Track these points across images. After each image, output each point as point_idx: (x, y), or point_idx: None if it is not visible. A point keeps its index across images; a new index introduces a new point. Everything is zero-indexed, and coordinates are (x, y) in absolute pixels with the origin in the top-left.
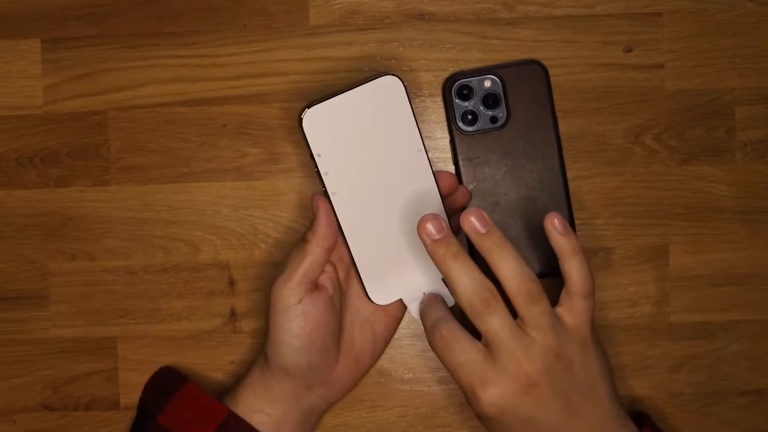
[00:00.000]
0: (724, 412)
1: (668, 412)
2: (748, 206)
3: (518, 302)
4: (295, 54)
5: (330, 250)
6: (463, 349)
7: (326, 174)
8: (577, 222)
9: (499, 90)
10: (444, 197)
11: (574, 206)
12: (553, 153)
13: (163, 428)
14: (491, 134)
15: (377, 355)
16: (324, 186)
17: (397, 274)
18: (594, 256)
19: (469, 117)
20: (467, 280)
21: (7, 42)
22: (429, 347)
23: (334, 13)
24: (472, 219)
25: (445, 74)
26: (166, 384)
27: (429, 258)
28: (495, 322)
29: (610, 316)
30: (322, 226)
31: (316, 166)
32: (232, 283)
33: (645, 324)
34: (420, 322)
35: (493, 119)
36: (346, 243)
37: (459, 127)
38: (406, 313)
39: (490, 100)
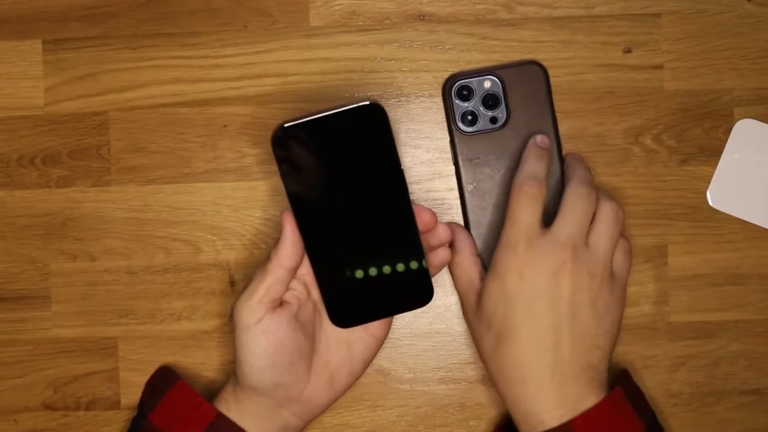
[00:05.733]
0: (723, 412)
1: (667, 411)
2: None
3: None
4: (296, 55)
5: (293, 269)
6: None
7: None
8: None
9: (499, 90)
10: (422, 232)
11: None
12: (552, 153)
13: (154, 427)
14: (491, 135)
15: (355, 375)
16: (292, 206)
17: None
18: None
19: (469, 117)
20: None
21: (8, 43)
22: (429, 347)
23: (334, 14)
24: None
25: (445, 75)
26: (160, 383)
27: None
28: None
29: None
30: (286, 245)
31: (285, 187)
32: (232, 283)
33: (644, 324)
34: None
35: (493, 120)
36: (311, 263)
37: (459, 128)
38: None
39: (490, 100)
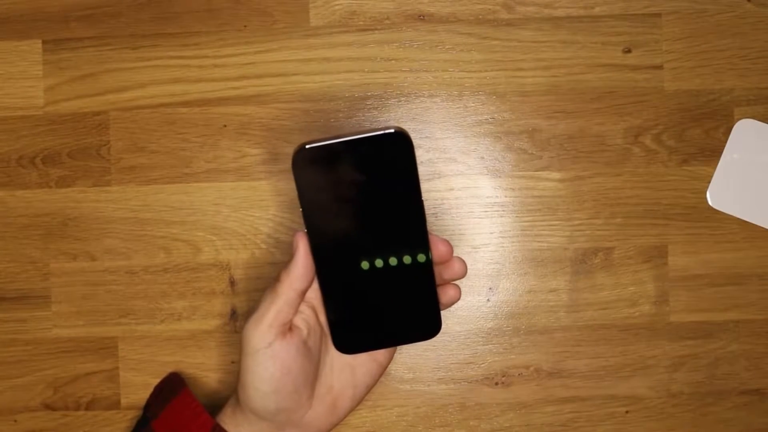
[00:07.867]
0: (723, 412)
1: (667, 411)
2: None
3: None
4: (296, 55)
5: (303, 292)
6: None
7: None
8: (577, 222)
9: None
10: (436, 264)
11: (575, 206)
12: None
13: None
14: None
15: (357, 400)
16: (306, 228)
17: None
18: (593, 256)
19: None
20: None
21: (8, 43)
22: (429, 347)
23: (334, 14)
24: None
25: (446, 75)
26: (167, 390)
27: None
28: None
29: (610, 315)
30: (298, 267)
31: (301, 207)
32: (232, 283)
33: (644, 324)
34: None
35: None
36: (320, 287)
37: None
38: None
39: None
